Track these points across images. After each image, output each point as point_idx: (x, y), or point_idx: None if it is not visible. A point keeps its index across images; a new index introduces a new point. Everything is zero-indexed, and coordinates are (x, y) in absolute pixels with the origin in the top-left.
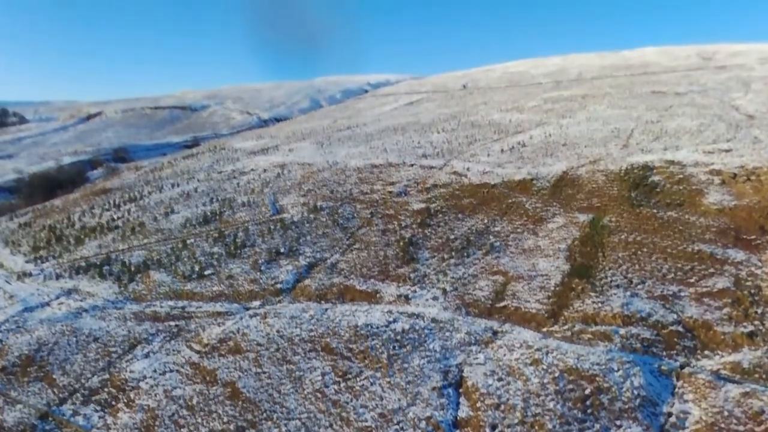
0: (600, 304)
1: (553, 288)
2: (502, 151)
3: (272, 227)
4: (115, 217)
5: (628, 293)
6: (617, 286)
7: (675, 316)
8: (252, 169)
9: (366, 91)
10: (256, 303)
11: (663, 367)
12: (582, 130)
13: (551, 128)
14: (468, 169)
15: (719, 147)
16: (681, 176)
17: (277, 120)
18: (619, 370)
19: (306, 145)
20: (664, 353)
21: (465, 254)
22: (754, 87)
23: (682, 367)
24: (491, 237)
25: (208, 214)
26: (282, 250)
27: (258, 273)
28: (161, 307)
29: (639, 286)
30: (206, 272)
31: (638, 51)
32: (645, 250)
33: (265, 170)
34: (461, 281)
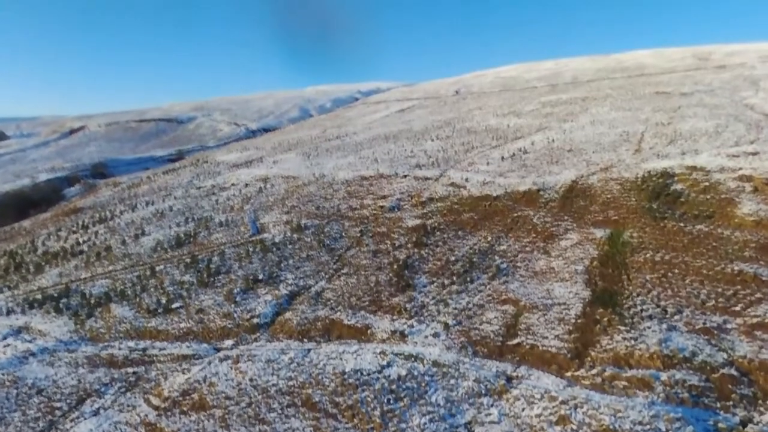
0: (633, 341)
1: (573, 320)
2: (503, 158)
3: (251, 250)
4: (81, 240)
5: (665, 326)
6: (650, 317)
7: (724, 355)
8: (233, 184)
9: (356, 99)
10: (229, 342)
11: (720, 425)
12: (587, 135)
13: (553, 133)
14: (466, 179)
15: (743, 150)
16: (707, 184)
17: (266, 130)
18: (667, 431)
19: (292, 156)
20: (718, 405)
21: (468, 279)
22: (762, 85)
23: (743, 423)
24: (497, 257)
25: (182, 235)
26: (261, 277)
27: (232, 305)
28: (120, 348)
29: (676, 317)
30: (174, 305)
31: (630, 54)
32: (676, 271)
33: (246, 185)
34: (465, 313)
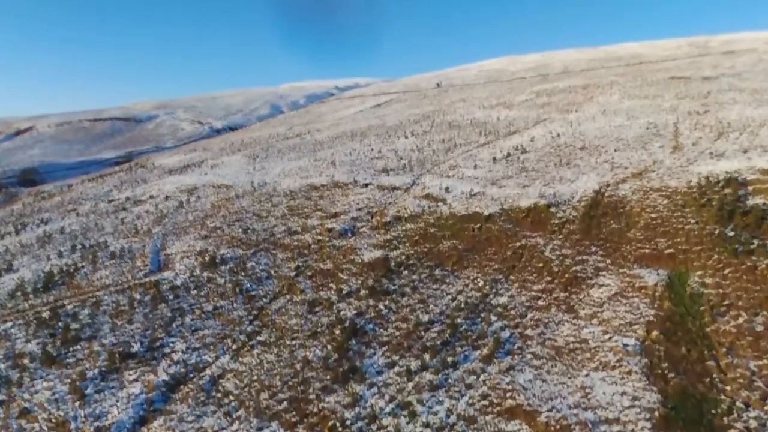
0: None
1: None
2: (494, 159)
3: (138, 298)
4: None
5: None
6: None
7: None
8: (151, 197)
9: (332, 95)
10: None
11: None
12: (602, 127)
13: (557, 126)
14: (447, 188)
15: None
16: None
17: (232, 129)
18: None
19: (236, 159)
20: None
21: (449, 359)
22: None
23: None
24: (494, 318)
25: (56, 273)
26: (135, 348)
27: (75, 402)
28: None
29: None
30: None
31: (620, 45)
32: None
33: (167, 197)
34: None
